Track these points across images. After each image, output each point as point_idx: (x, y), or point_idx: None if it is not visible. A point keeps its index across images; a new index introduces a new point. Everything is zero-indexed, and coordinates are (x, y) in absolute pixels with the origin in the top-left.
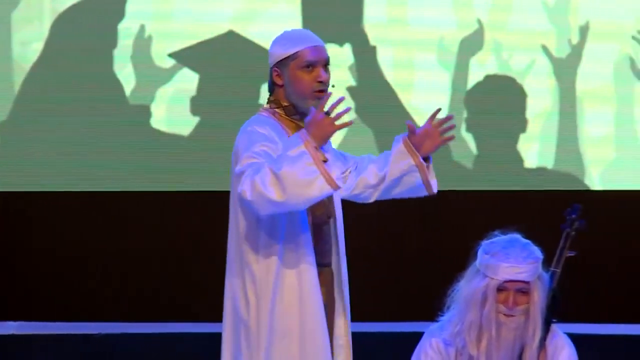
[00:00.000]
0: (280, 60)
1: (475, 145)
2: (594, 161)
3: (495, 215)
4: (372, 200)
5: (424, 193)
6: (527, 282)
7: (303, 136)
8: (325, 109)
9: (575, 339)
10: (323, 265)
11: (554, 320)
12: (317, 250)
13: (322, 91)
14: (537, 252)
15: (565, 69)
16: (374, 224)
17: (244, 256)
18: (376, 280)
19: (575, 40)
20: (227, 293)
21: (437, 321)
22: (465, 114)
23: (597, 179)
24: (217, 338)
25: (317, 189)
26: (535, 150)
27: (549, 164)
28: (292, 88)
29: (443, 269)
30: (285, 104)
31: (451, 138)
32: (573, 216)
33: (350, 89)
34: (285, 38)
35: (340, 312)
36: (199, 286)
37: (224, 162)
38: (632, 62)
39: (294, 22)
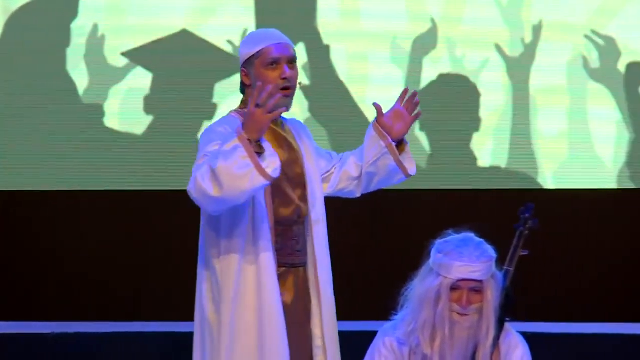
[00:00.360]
0: (247, 60)
1: (429, 144)
2: (547, 160)
3: (449, 215)
4: (358, 194)
5: (401, 176)
6: (480, 281)
7: (238, 130)
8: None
9: (528, 337)
10: (293, 265)
11: (508, 319)
12: (284, 250)
13: (287, 88)
14: (491, 251)
15: (519, 67)
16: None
17: (208, 255)
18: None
19: (528, 38)
20: (197, 292)
21: (391, 320)
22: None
23: (550, 178)
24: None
25: (250, 182)
26: (489, 148)
27: (502, 162)
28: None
29: (392, 268)
30: None
31: (419, 114)
32: (526, 215)
33: (304, 88)
34: (250, 37)
35: (316, 313)
36: (156, 285)
37: (177, 160)
38: (585, 60)
39: (247, 20)
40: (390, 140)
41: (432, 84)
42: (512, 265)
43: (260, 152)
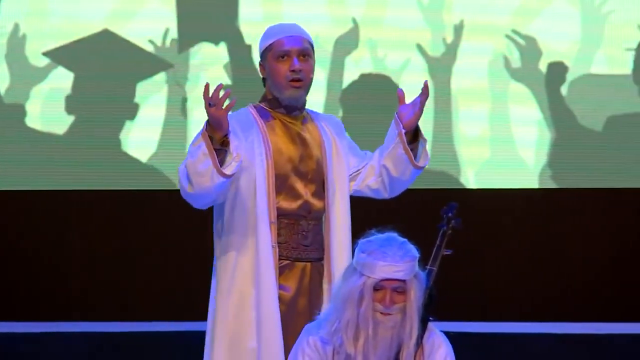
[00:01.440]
0: (262, 54)
1: None
2: (469, 160)
3: (372, 215)
4: (385, 193)
5: (410, 168)
6: (403, 281)
7: (203, 127)
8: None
9: (452, 337)
10: (298, 259)
11: (431, 318)
12: (288, 244)
13: (296, 80)
14: (414, 251)
15: (440, 67)
16: None
17: (214, 248)
18: None
19: (449, 38)
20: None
21: (314, 319)
22: (340, 113)
23: (472, 178)
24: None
25: (211, 179)
26: None
27: None
28: (271, 80)
29: None
30: (270, 97)
31: (423, 101)
32: (449, 215)
33: (225, 88)
34: (266, 31)
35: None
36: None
37: (98, 160)
38: (507, 60)
39: (169, 21)
40: (402, 128)
41: (353, 85)
42: (435, 264)
43: (225, 147)
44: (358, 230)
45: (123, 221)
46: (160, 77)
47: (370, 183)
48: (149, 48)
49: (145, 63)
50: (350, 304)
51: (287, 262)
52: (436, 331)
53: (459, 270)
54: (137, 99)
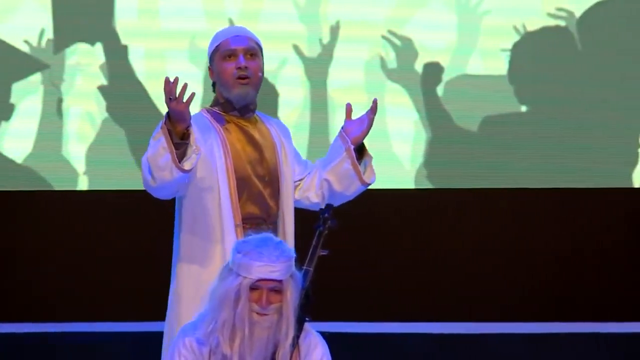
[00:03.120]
0: (210, 58)
1: None
2: None
3: None
4: (322, 205)
5: (357, 184)
6: (280, 281)
7: (162, 120)
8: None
9: (328, 337)
10: None
11: (307, 319)
12: None
13: (243, 77)
14: (290, 251)
15: (317, 65)
16: None
17: (174, 253)
18: None
19: (326, 37)
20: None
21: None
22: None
23: None
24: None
25: (170, 173)
26: None
27: None
28: (219, 81)
29: None
30: (222, 100)
31: (371, 118)
32: (326, 215)
33: (101, 88)
34: (213, 37)
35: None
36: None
37: None
38: (383, 61)
39: (45, 20)
40: (350, 144)
41: None
42: (311, 265)
43: (185, 141)
44: None
45: None
46: (36, 77)
47: (310, 195)
48: (24, 48)
49: (21, 63)
50: (227, 305)
51: None
52: (312, 332)
53: (333, 270)
54: (12, 99)
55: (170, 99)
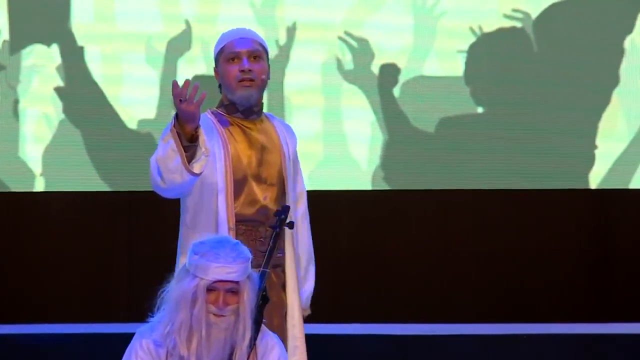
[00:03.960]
0: (215, 60)
1: None
2: (302, 160)
3: None
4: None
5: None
6: (236, 282)
7: (171, 122)
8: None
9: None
10: (258, 266)
11: (264, 320)
12: (255, 251)
13: (246, 80)
14: (247, 252)
15: (273, 67)
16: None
17: (177, 249)
18: None
19: (282, 38)
20: None
21: (148, 322)
22: (174, 113)
23: (306, 178)
24: None
25: (180, 176)
26: None
27: None
28: (224, 83)
29: (138, 271)
30: (226, 102)
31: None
32: (282, 217)
33: (57, 89)
34: (218, 38)
35: (295, 314)
36: None
37: None
38: (339, 62)
39: (0, 22)
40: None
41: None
42: (268, 266)
43: (194, 142)
44: None
45: None
46: None
47: None
48: None
49: None
50: (184, 306)
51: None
52: (269, 333)
53: None
54: None
55: (180, 100)
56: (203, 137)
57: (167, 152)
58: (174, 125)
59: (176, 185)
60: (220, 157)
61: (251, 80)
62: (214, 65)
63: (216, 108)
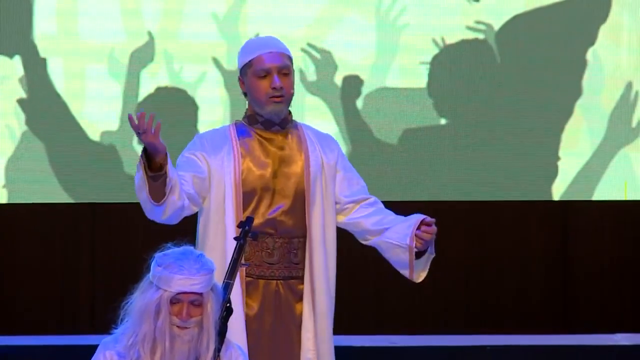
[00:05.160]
0: (241, 69)
1: None
2: None
3: (167, 228)
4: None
5: (405, 272)
6: (200, 294)
7: (140, 154)
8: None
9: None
10: (261, 277)
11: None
12: (252, 261)
13: (277, 97)
14: (210, 264)
15: (236, 81)
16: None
17: None
18: None
19: None
20: None
21: (111, 334)
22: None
23: None
24: None
25: (151, 205)
26: None
27: None
28: (251, 96)
29: (101, 283)
30: (250, 113)
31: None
32: (246, 228)
33: (20, 101)
34: (245, 47)
35: (308, 326)
36: None
37: None
38: (302, 73)
39: None
40: (414, 244)
41: (150, 98)
42: (232, 277)
43: (160, 172)
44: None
45: None
46: None
47: (355, 233)
48: None
49: None
50: (147, 318)
51: (250, 279)
52: (234, 344)
53: None
54: None
55: (139, 133)
56: (169, 165)
57: (138, 184)
58: (141, 157)
59: (155, 214)
60: (230, 170)
61: (281, 96)
62: (238, 74)
63: (241, 119)
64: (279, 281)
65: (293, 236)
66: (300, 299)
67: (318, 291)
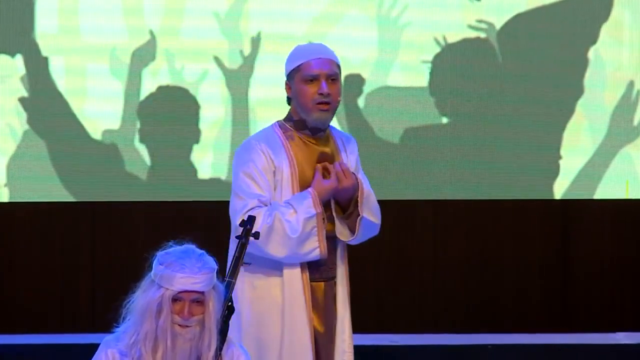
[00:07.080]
0: (289, 74)
1: (149, 156)
2: None
3: (168, 226)
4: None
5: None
6: (202, 293)
7: (316, 203)
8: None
9: None
10: (315, 280)
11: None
12: (315, 265)
13: (323, 103)
14: (212, 263)
15: (238, 79)
16: None
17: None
18: None
19: (247, 50)
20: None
21: (113, 332)
22: (138, 124)
23: None
24: None
25: (310, 257)
26: (209, 160)
27: (223, 174)
28: (297, 101)
29: (102, 281)
30: (296, 118)
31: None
32: (248, 227)
33: (22, 100)
34: (294, 52)
35: (345, 324)
36: None
37: None
38: None
39: None
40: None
41: (151, 97)
42: (233, 276)
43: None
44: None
45: None
46: None
47: None
48: None
49: None
50: (149, 316)
51: (314, 283)
52: (235, 343)
53: None
54: None
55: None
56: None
57: (306, 233)
58: (315, 207)
59: (293, 261)
60: (289, 175)
61: (328, 103)
62: (285, 79)
63: (284, 121)
64: (326, 282)
65: (332, 237)
66: (334, 299)
67: (346, 291)
